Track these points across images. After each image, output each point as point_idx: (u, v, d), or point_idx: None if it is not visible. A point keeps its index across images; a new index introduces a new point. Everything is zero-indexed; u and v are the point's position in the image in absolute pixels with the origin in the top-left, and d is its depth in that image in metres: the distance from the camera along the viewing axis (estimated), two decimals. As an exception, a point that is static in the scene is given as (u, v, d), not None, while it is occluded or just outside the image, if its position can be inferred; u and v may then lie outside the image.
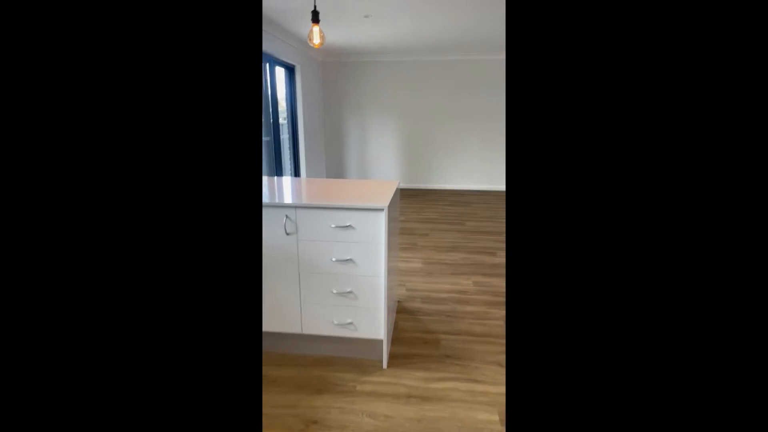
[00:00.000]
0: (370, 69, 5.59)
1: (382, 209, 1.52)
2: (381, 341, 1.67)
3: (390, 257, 1.66)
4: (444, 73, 5.46)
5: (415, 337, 1.90)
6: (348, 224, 1.55)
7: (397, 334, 1.92)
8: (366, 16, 3.39)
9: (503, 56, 5.22)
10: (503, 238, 3.46)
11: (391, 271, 1.70)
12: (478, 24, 3.61)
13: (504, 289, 2.43)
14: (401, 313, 2.15)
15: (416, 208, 4.58)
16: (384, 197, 1.64)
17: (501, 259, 2.95)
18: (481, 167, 5.69)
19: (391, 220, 1.65)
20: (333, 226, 1.56)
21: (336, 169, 6.00)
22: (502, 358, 1.74)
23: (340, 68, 5.65)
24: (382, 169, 5.91)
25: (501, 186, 5.70)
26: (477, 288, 2.45)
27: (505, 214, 4.30)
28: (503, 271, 2.71)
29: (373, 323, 1.63)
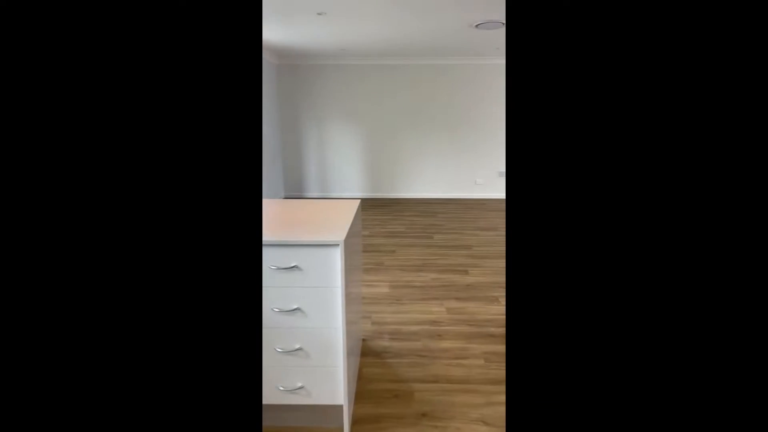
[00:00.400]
0: (329, 73, 5.26)
1: (338, 244, 1.20)
2: (341, 406, 1.34)
3: (350, 300, 1.34)
4: (408, 78, 5.23)
5: (384, 390, 1.58)
6: (293, 265, 1.22)
7: (362, 387, 1.60)
8: (319, 14, 3.07)
9: (471, 61, 5.08)
10: (473, 253, 3.24)
11: (352, 305, 1.38)
12: (443, 27, 3.40)
13: (481, 317, 2.18)
14: (367, 356, 1.83)
15: (381, 221, 4.29)
16: (340, 226, 1.32)
17: (473, 278, 2.71)
18: (446, 175, 5.51)
19: (350, 254, 1.33)
20: (273, 267, 1.22)
21: (294, 183, 5.59)
22: (487, 412, 1.46)
23: (296, 72, 5.27)
24: (344, 179, 5.58)
25: (466, 194, 5.54)
26: (451, 317, 2.18)
27: (471, 226, 4.11)
28: (477, 293, 2.47)
29: (330, 386, 1.30)
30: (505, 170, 5.46)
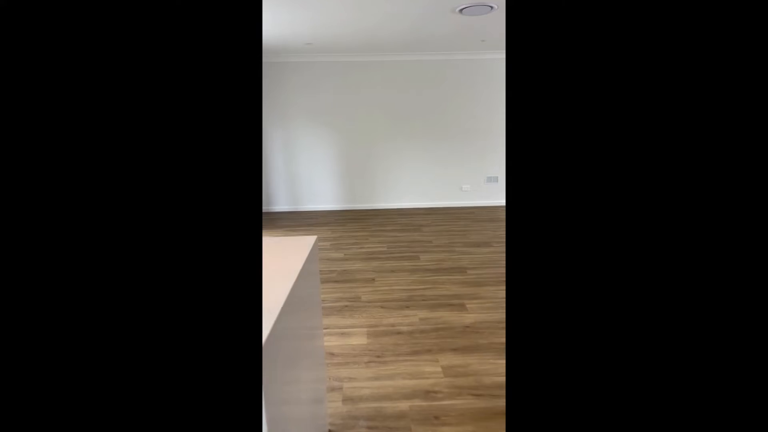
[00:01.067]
0: (294, 72, 4.67)
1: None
2: None
3: (287, 417, 0.77)
4: (384, 77, 4.70)
5: None
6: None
7: None
8: (271, -6, 2.50)
9: (455, 56, 4.60)
10: (468, 278, 2.71)
11: (314, 369, 0.82)
12: (422, 12, 2.89)
13: (489, 380, 1.64)
14: (334, 463, 1.26)
15: (359, 238, 3.73)
16: (267, 308, 0.76)
17: (472, 316, 2.18)
18: (429, 182, 5.00)
19: (288, 342, 0.76)
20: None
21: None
22: None
23: (256, 71, 4.66)
24: (316, 190, 4.99)
25: (451, 202, 5.05)
26: (450, 381, 1.64)
27: (462, 241, 3.59)
28: (480, 339, 1.94)
29: None
30: (493, 176, 5.00)
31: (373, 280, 2.73)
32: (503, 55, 4.62)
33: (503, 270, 2.85)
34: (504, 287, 2.54)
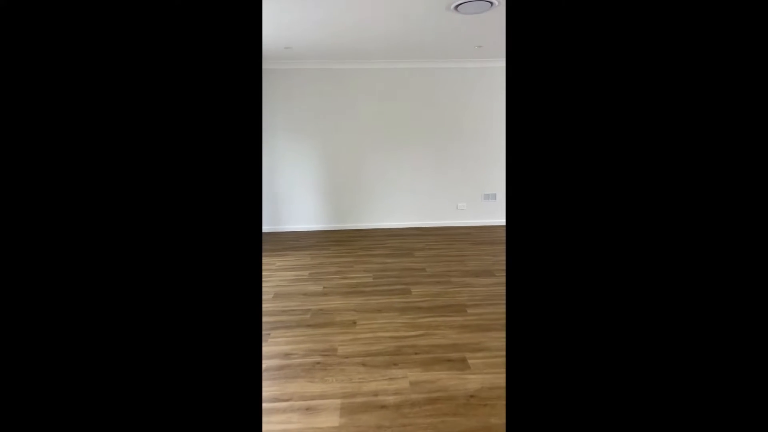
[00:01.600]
0: (272, 80, 4.26)
1: None
2: None
3: None
4: (372, 86, 4.31)
5: None
6: None
7: None
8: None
9: (448, 64, 4.23)
10: (469, 321, 2.26)
11: None
12: (413, 9, 2.51)
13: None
14: None
15: (342, 266, 3.26)
16: None
17: (478, 377, 1.72)
18: (422, 200, 4.58)
19: None
20: None
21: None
22: None
23: (231, 79, 4.24)
24: (298, 209, 4.53)
25: (446, 221, 4.62)
26: (452, 494, 1.16)
27: (460, 269, 3.15)
28: (491, 417, 1.47)
29: None
30: (491, 193, 4.59)
31: (354, 323, 2.25)
32: (502, 64, 4.27)
33: (510, 308, 2.40)
34: (513, 333, 2.09)
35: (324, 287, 2.82)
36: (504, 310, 2.38)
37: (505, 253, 3.52)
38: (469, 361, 1.84)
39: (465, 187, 4.58)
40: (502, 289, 2.70)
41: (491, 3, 2.46)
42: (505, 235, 4.17)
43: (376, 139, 4.41)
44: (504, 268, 3.14)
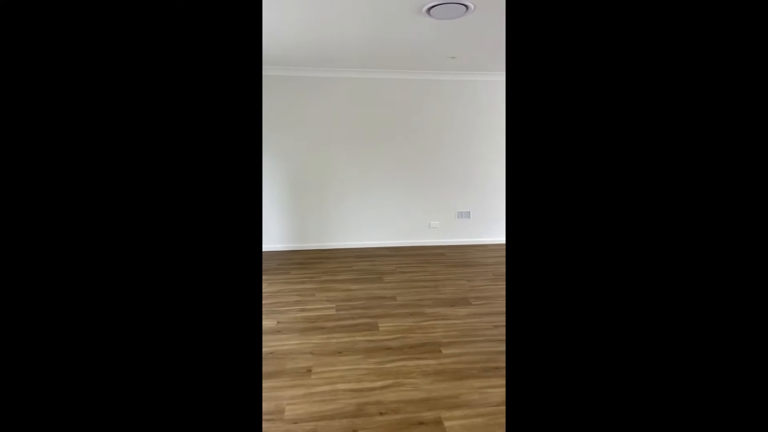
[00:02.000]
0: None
1: None
2: None
3: None
4: (342, 96, 4.02)
5: None
6: None
7: None
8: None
9: (421, 76, 4.01)
10: (444, 364, 1.95)
11: None
12: (382, 12, 2.25)
13: None
14: None
15: (303, 294, 2.89)
16: None
17: (456, 446, 1.40)
18: (392, 218, 4.29)
19: None
20: None
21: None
22: None
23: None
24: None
25: (418, 240, 4.35)
26: None
27: (433, 297, 2.85)
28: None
29: None
30: (465, 211, 4.37)
31: (310, 372, 1.89)
32: (477, 77, 4.10)
33: (489, 346, 2.12)
34: (495, 379, 1.80)
35: (278, 322, 2.43)
36: (484, 350, 2.09)
37: (481, 278, 3.27)
38: (446, 424, 1.52)
39: (438, 205, 4.34)
40: (480, 323, 2.42)
41: (466, 6, 2.24)
42: (479, 256, 3.93)
43: (345, 154, 4.11)
44: (480, 295, 2.88)
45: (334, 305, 2.70)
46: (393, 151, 4.17)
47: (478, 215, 4.40)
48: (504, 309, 2.62)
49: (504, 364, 1.94)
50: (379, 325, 2.39)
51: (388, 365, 1.94)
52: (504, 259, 3.83)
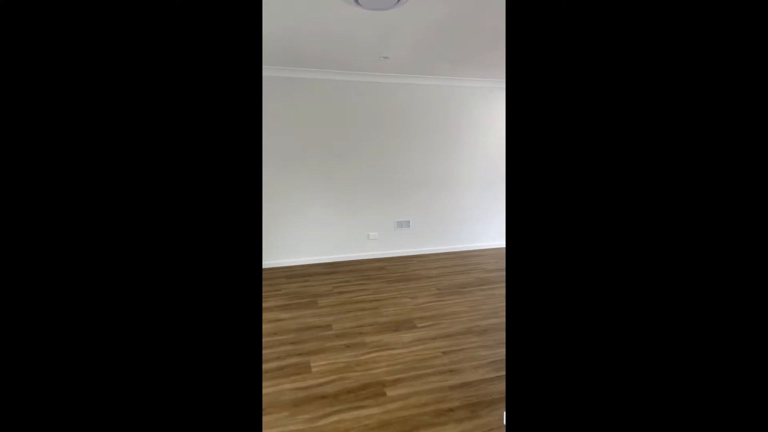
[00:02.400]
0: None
1: None
2: None
3: None
4: (267, 98, 3.54)
5: None
6: None
7: None
8: None
9: (353, 77, 3.70)
10: (389, 412, 1.63)
11: None
12: (313, 11, 1.90)
13: None
14: None
15: (216, 333, 2.38)
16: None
17: None
18: (327, 230, 3.92)
19: None
20: None
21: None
22: None
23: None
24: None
25: (356, 253, 4.03)
26: None
27: (374, 325, 2.54)
28: None
29: None
30: (404, 220, 4.15)
31: (218, 447, 1.45)
32: (411, 80, 3.91)
33: (439, 380, 1.85)
34: (450, 425, 1.52)
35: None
36: (434, 385, 1.82)
37: (425, 293, 3.03)
38: (395, 504, 1.20)
39: (376, 214, 4.06)
40: (427, 350, 2.16)
41: (399, -4, 1.99)
42: (421, 268, 3.72)
43: (274, 164, 3.65)
44: (425, 315, 2.63)
45: (256, 343, 2.25)
46: (325, 159, 3.81)
47: (417, 224, 4.20)
48: (451, 332, 2.39)
49: (459, 404, 1.68)
50: (312, 364, 2.01)
51: (321, 422, 1.57)
52: (446, 271, 3.66)
